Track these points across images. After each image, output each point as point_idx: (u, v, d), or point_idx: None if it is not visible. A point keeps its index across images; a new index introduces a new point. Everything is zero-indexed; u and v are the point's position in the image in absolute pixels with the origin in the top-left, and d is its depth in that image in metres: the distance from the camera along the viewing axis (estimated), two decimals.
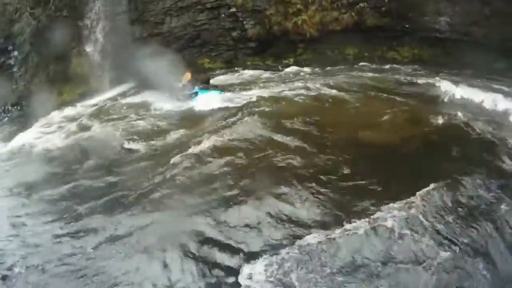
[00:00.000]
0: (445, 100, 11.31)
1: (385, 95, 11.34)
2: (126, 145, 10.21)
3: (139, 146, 10.04)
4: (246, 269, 5.70)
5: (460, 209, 6.60)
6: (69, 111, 14.10)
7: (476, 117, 10.01)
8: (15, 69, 16.28)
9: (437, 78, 12.36)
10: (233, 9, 15.43)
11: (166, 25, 15.86)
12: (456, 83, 11.88)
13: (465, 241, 5.98)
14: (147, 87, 13.89)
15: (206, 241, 6.34)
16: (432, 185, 6.93)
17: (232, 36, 15.84)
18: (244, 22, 15.52)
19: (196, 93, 12.51)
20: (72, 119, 13.19)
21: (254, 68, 15.48)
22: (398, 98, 10.98)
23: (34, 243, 7.02)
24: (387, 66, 14.11)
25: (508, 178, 7.45)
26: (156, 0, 15.55)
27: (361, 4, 14.75)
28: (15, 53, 16.30)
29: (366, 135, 9.08)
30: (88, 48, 16.08)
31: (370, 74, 13.04)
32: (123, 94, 14.87)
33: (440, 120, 9.76)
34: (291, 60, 15.47)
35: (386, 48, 14.64)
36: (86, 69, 16.24)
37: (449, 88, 11.62)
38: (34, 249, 6.88)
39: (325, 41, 15.06)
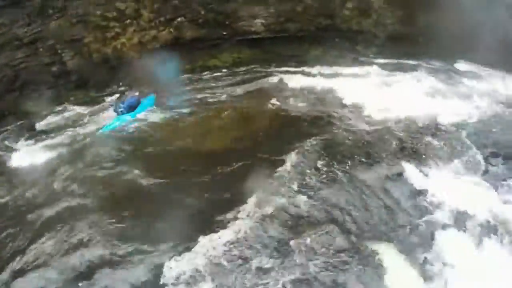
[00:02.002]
0: (273, 93, 11.64)
1: (211, 101, 11.65)
2: None
3: None
4: None
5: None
6: None
7: (302, 101, 10.85)
8: None
9: (260, 74, 12.92)
10: (51, 41, 14.40)
11: None
12: (276, 75, 12.63)
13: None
14: None
15: None
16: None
17: (52, 72, 14.62)
18: (63, 54, 14.45)
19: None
20: None
21: (78, 103, 14.11)
22: (225, 103, 11.32)
23: None
24: (209, 75, 13.88)
25: (332, 147, 8.39)
26: None
27: (179, 19, 14.32)
28: None
29: (194, 147, 9.18)
30: None
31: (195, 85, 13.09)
32: None
33: (269, 113, 10.34)
34: (115, 87, 14.34)
35: (207, 57, 14.49)
36: None
37: (271, 81, 12.30)
38: None
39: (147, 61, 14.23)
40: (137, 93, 12.29)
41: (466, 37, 13.23)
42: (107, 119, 11.67)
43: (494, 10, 12.64)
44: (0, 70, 14.31)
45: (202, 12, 14.45)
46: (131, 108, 11.53)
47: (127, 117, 11.45)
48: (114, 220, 7.07)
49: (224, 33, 14.29)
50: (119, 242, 6.57)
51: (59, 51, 14.43)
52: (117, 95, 12.13)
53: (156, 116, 11.18)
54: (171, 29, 14.44)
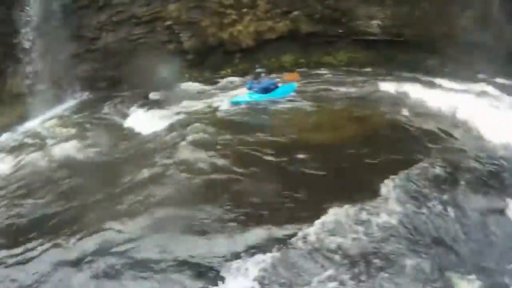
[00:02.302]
0: (384, 97, 11.43)
1: (324, 97, 11.63)
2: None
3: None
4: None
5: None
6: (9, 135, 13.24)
7: (414, 112, 10.35)
8: None
9: (374, 78, 12.69)
10: (169, 22, 15.30)
11: (101, 40, 15.64)
12: (391, 81, 12.30)
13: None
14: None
15: None
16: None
17: (168, 49, 15.61)
18: (180, 35, 15.35)
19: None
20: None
21: (192, 81, 15.07)
22: (339, 101, 11.21)
23: None
24: (324, 71, 14.10)
25: (449, 167, 7.78)
26: (90, 15, 15.43)
27: (295, 12, 14.74)
28: None
29: (312, 137, 9.14)
30: (25, 67, 15.66)
31: (309, 80, 13.17)
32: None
33: (380, 117, 10.06)
34: (229, 70, 15.17)
35: (321, 54, 14.78)
36: (23, 89, 15.71)
37: (386, 87, 11.91)
38: None
39: (262, 50, 14.88)
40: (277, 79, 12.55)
41: None
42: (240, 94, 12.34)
43: None
44: (119, 42, 15.52)
45: (319, 8, 14.77)
46: (266, 90, 11.77)
47: (259, 96, 11.75)
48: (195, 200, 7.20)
49: (340, 31, 14.57)
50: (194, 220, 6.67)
51: (176, 32, 15.30)
52: (252, 75, 12.47)
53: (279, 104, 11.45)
54: (287, 22, 14.86)
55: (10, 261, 6.48)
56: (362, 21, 14.40)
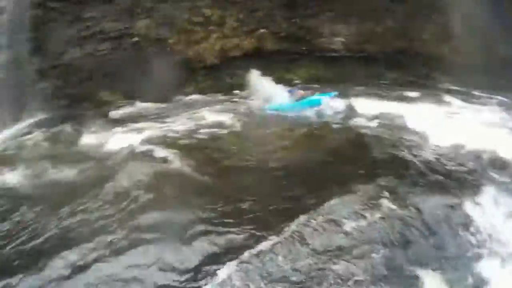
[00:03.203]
0: (345, 112, 11.73)
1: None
2: None
3: None
4: None
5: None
6: None
7: (373, 124, 10.77)
8: None
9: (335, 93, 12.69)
10: (136, 38, 15.31)
11: (67, 55, 15.44)
12: (353, 95, 12.62)
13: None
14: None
15: None
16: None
17: (134, 66, 15.48)
18: (147, 51, 15.32)
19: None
20: None
21: (150, 100, 14.69)
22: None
23: None
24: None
25: (408, 177, 8.16)
26: (60, 28, 15.27)
27: (262, 30, 14.92)
28: None
29: (271, 158, 9.19)
30: None
31: None
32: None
33: (339, 133, 10.35)
34: (192, 88, 15.05)
35: (283, 71, 14.78)
36: None
37: (346, 101, 12.16)
38: None
39: (226, 67, 14.93)
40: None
41: None
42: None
43: None
44: (85, 58, 15.34)
45: (284, 26, 14.98)
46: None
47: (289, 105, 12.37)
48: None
49: (304, 48, 14.76)
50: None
51: (142, 48, 15.27)
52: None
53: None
54: (253, 39, 15.01)
55: None
56: (325, 38, 14.60)
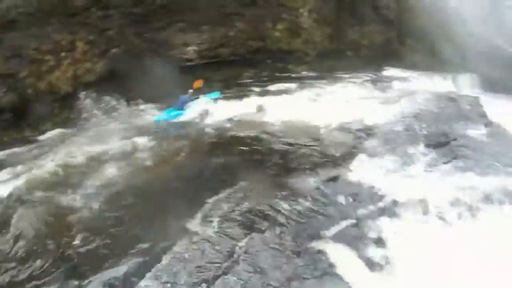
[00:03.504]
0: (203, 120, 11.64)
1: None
2: None
3: None
4: None
5: None
6: None
7: (235, 124, 10.80)
8: None
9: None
10: None
11: None
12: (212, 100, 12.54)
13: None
14: None
15: None
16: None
17: None
18: None
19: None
20: None
21: (11, 145, 13.50)
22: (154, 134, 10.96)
23: None
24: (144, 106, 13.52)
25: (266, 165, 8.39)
26: None
27: (114, 50, 14.33)
28: None
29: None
30: None
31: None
32: None
33: (203, 140, 10.24)
34: (50, 123, 13.92)
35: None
36: None
37: (205, 107, 12.12)
38: None
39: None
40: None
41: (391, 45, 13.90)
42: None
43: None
44: None
45: (136, 42, 14.52)
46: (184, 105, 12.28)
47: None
48: None
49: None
50: None
51: None
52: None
53: None
54: (106, 61, 14.35)
55: None
56: (178, 49, 14.33)
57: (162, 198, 7.79)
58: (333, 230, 6.52)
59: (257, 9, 15.12)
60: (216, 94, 12.70)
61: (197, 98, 12.55)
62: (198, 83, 12.97)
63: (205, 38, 14.60)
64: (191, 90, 12.51)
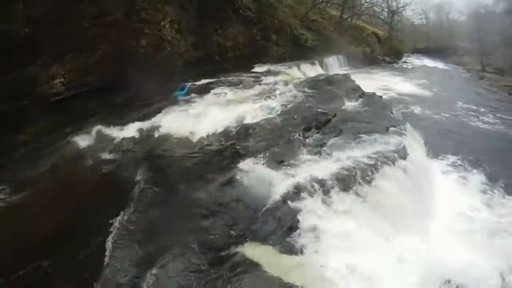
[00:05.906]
0: (89, 152, 11.66)
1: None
2: None
3: None
4: None
5: None
6: None
7: (119, 151, 11.22)
8: None
9: (70, 138, 12.56)
10: None
11: None
12: (88, 132, 12.60)
13: None
14: None
15: None
16: None
17: None
18: None
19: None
20: None
21: None
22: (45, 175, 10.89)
23: None
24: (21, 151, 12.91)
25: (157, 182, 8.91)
26: None
27: None
28: None
29: None
30: None
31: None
32: None
33: (93, 174, 10.37)
34: None
35: (13, 134, 13.01)
36: None
37: (86, 141, 12.27)
38: None
39: None
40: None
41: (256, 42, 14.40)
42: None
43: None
44: None
45: (1, 85, 13.82)
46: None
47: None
48: None
49: (26, 102, 13.24)
50: None
51: None
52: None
53: None
54: None
55: None
56: (45, 84, 13.76)
57: None
58: (247, 231, 7.10)
59: (117, 30, 14.87)
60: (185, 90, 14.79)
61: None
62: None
63: (69, 68, 14.02)
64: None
